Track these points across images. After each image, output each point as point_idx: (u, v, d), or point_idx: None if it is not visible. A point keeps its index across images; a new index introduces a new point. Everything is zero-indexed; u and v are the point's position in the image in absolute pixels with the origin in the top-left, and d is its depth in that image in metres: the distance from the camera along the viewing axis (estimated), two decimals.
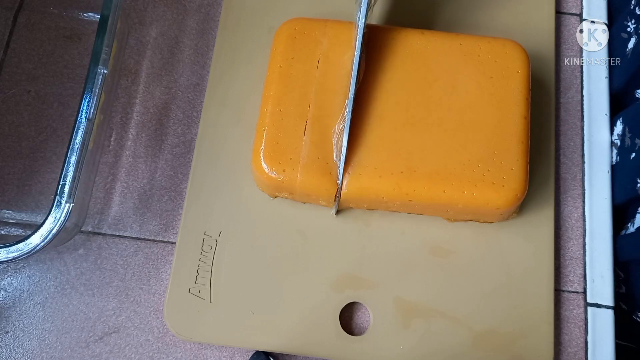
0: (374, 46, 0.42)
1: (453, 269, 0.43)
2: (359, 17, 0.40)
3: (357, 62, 0.39)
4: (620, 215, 0.46)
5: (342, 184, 0.40)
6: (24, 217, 0.45)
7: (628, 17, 0.48)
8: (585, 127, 0.48)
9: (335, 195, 0.40)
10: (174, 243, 0.44)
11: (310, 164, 0.40)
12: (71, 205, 0.38)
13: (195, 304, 0.42)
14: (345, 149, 0.39)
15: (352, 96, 0.39)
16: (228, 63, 0.47)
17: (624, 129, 0.46)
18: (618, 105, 0.49)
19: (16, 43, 0.48)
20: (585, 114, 0.48)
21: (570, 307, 0.44)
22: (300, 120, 0.41)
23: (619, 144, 0.46)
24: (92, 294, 0.43)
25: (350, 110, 0.39)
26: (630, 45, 0.47)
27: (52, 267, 0.44)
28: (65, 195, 0.37)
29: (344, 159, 0.39)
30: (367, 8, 0.39)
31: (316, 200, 0.42)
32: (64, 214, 0.37)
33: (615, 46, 0.49)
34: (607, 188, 0.46)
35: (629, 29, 0.48)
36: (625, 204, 0.46)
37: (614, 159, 0.47)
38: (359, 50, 0.39)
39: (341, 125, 0.40)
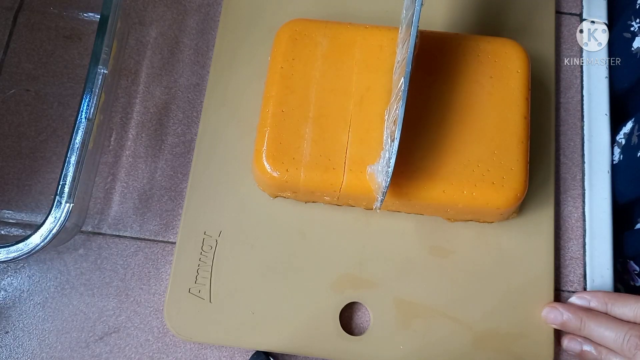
0: (374, 46, 0.43)
1: (453, 269, 0.43)
2: (409, 21, 0.38)
3: (410, 66, 0.37)
4: (625, 213, 0.46)
5: (386, 187, 0.38)
6: (24, 217, 0.45)
7: (632, 17, 0.47)
8: (585, 127, 0.48)
9: (381, 194, 0.39)
10: (174, 243, 0.44)
11: (313, 162, 0.40)
12: (71, 205, 0.38)
13: (195, 304, 0.42)
14: (396, 151, 0.37)
15: (405, 98, 0.37)
16: (228, 63, 0.47)
17: (632, 128, 0.45)
18: (620, 104, 0.49)
19: (16, 43, 0.48)
20: (585, 114, 0.48)
21: None
22: (302, 120, 0.41)
23: (623, 142, 0.46)
24: (92, 294, 0.43)
25: (402, 115, 0.37)
26: (636, 44, 0.47)
27: (52, 267, 0.44)
28: (65, 195, 0.37)
29: (393, 162, 0.37)
30: (419, 12, 0.37)
31: (320, 198, 0.42)
32: (64, 214, 0.37)
33: (617, 45, 0.49)
34: (607, 188, 0.46)
35: (632, 28, 0.47)
36: (632, 201, 0.46)
37: (616, 158, 0.47)
38: (412, 54, 0.37)
39: (392, 128, 0.38)
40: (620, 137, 0.47)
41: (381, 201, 0.40)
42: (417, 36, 0.37)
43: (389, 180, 0.38)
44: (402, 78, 0.37)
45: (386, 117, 0.40)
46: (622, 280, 0.46)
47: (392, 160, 0.37)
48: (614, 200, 0.46)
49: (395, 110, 0.37)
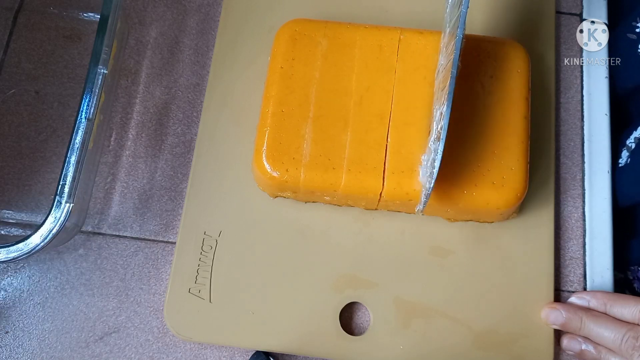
0: (374, 46, 0.43)
1: (453, 269, 0.43)
2: (453, 22, 0.38)
3: (456, 68, 0.36)
4: (628, 219, 0.46)
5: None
6: (24, 217, 0.45)
7: (638, 18, 0.47)
8: (585, 127, 0.48)
9: (424, 199, 0.39)
10: (174, 243, 0.44)
11: (313, 161, 0.40)
12: (71, 205, 0.38)
13: (195, 304, 0.42)
14: (441, 153, 0.36)
15: (451, 100, 0.36)
16: (228, 63, 0.47)
17: None
18: (623, 106, 0.49)
19: (16, 43, 0.48)
20: (585, 114, 0.48)
21: None
22: (302, 120, 0.41)
23: (633, 147, 0.46)
24: (92, 294, 0.43)
25: (448, 118, 0.36)
26: None
27: (52, 267, 0.44)
28: (65, 195, 0.37)
29: (438, 164, 0.37)
30: (465, 14, 0.36)
31: (320, 198, 0.42)
32: (64, 214, 0.37)
33: (620, 46, 0.49)
34: (607, 188, 0.46)
35: (638, 30, 0.47)
36: (635, 205, 0.45)
37: (622, 161, 0.46)
38: (457, 56, 0.37)
39: (436, 133, 0.38)
40: (631, 141, 0.46)
41: (424, 203, 0.39)
42: (462, 39, 0.37)
43: (433, 182, 0.37)
44: (448, 81, 0.37)
45: (433, 118, 0.39)
46: (631, 288, 0.46)
47: (437, 162, 0.37)
48: (615, 203, 0.46)
49: (440, 110, 0.37)
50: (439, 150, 0.37)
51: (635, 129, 0.46)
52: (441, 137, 0.37)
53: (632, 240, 0.46)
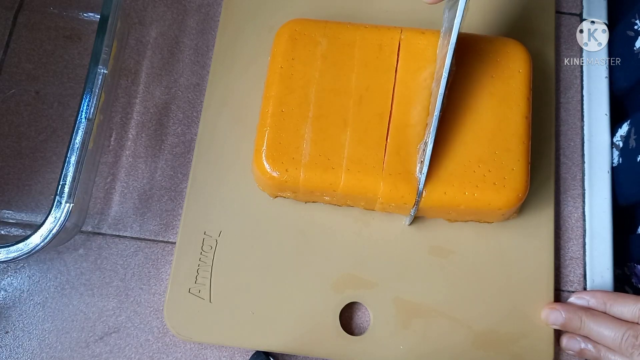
0: (374, 46, 0.43)
1: (453, 269, 0.43)
2: (449, 25, 0.38)
3: (448, 69, 0.37)
4: (628, 216, 0.46)
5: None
6: (24, 217, 0.45)
7: (637, 15, 0.47)
8: (585, 127, 0.48)
9: (415, 203, 0.40)
10: (174, 243, 0.44)
11: (313, 161, 0.40)
12: (71, 205, 0.38)
13: (195, 304, 0.42)
14: (429, 157, 0.38)
15: (441, 101, 0.38)
16: (228, 63, 0.47)
17: (629, 131, 0.45)
18: (621, 105, 0.49)
19: (16, 43, 0.48)
20: (585, 114, 0.48)
21: None
22: (302, 120, 0.41)
23: (621, 145, 0.46)
24: (92, 294, 0.43)
25: (437, 119, 0.38)
26: (639, 44, 0.47)
27: (52, 267, 0.44)
28: (65, 195, 0.37)
29: (427, 167, 0.39)
30: (463, 16, 0.37)
31: (320, 197, 0.42)
32: (64, 214, 0.37)
33: (618, 44, 0.49)
34: (607, 188, 0.46)
35: (636, 27, 0.47)
36: (635, 204, 0.46)
37: (615, 161, 0.47)
38: (451, 57, 0.37)
39: (419, 165, 0.40)
40: (617, 140, 0.47)
41: (411, 219, 0.41)
42: (451, 71, 0.37)
43: (416, 208, 0.39)
44: (434, 114, 0.38)
45: (418, 149, 0.40)
46: (629, 284, 0.46)
47: (420, 189, 0.38)
48: (614, 201, 0.46)
49: (424, 141, 0.39)
50: (421, 181, 0.39)
51: (620, 127, 0.46)
52: (423, 170, 0.38)
53: (631, 236, 0.46)
